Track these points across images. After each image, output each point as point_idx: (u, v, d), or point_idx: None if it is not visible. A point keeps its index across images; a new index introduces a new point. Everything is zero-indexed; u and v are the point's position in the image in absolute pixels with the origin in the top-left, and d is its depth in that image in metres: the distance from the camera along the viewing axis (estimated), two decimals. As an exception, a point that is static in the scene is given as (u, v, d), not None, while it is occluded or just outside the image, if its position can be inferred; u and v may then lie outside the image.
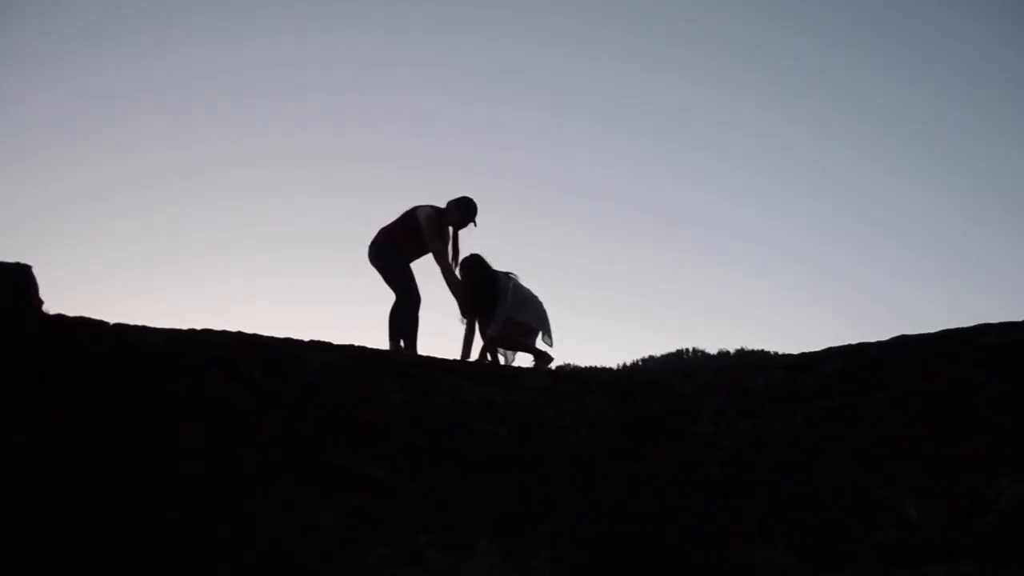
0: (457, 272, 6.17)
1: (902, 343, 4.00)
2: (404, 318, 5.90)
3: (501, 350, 6.18)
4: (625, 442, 4.04)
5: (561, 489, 3.81)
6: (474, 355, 6.15)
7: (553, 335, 6.22)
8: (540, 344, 6.27)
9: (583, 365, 6.66)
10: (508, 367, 5.45)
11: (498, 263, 6.30)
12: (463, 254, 6.30)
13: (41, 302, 3.55)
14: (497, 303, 6.04)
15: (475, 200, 6.11)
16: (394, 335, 5.87)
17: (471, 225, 6.19)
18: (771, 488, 3.58)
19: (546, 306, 6.34)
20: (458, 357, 6.06)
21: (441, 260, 6.03)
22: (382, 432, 3.83)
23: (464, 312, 6.20)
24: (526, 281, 6.22)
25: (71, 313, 3.89)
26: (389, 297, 6.00)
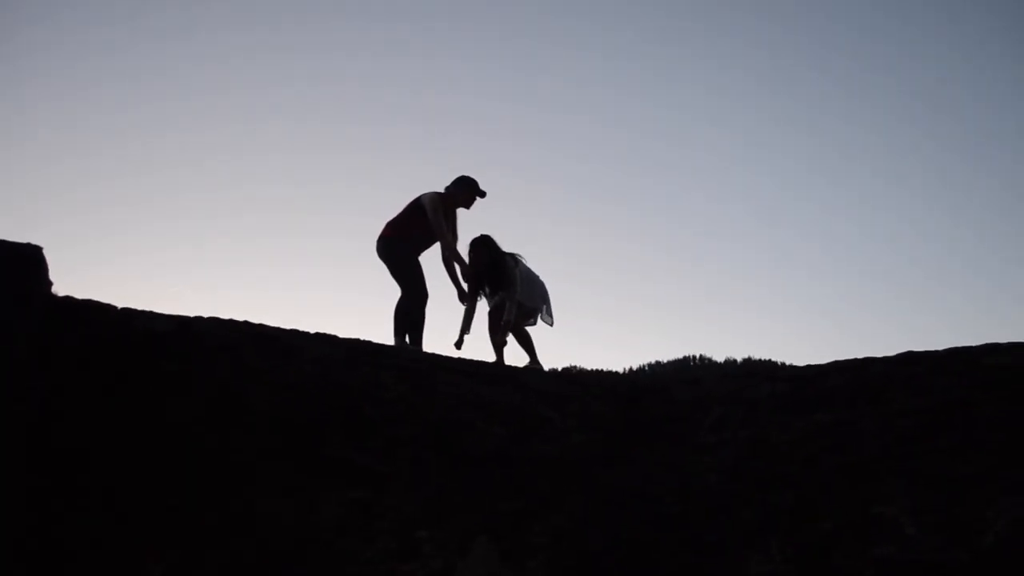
0: (465, 256, 6.20)
1: (908, 359, 3.98)
2: (410, 314, 5.91)
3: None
4: (625, 446, 4.03)
5: (558, 490, 3.81)
6: (474, 333, 6.16)
7: (553, 315, 6.30)
8: (540, 323, 6.31)
9: (590, 368, 6.67)
10: (511, 368, 5.44)
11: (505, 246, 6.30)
12: (464, 241, 6.33)
13: (50, 283, 3.57)
14: (505, 286, 6.03)
15: (470, 175, 6.23)
16: (399, 331, 5.87)
17: (478, 198, 6.28)
18: (769, 499, 3.57)
19: (551, 294, 6.38)
20: (457, 338, 6.08)
21: (443, 239, 6.08)
22: (380, 425, 3.83)
23: (465, 295, 6.21)
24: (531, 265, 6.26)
25: (83, 297, 3.90)
26: (396, 291, 6.01)
